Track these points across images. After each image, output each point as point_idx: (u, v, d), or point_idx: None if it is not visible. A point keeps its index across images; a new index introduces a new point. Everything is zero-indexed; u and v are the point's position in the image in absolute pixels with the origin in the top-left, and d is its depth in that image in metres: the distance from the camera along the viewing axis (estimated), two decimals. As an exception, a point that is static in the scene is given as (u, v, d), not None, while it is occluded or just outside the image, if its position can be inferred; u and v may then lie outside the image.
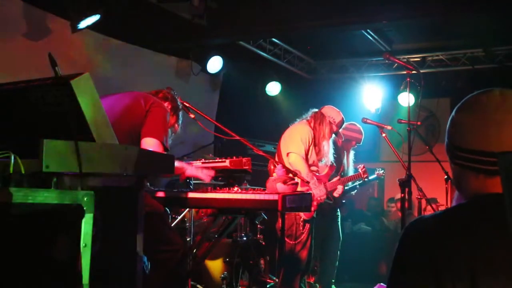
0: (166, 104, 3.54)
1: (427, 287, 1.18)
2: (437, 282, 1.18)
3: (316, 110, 5.06)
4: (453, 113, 1.36)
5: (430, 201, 4.86)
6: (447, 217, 1.28)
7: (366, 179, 5.62)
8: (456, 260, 1.18)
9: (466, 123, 1.31)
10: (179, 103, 3.70)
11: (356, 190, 5.94)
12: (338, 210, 5.57)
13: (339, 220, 5.58)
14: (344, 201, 5.84)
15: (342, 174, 5.54)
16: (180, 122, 3.71)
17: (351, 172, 5.53)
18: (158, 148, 3.18)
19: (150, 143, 3.17)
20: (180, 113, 3.72)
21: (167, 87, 3.71)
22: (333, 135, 5.01)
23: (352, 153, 5.64)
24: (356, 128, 5.59)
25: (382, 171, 6.07)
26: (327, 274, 5.61)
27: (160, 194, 3.59)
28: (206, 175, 3.57)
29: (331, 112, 5.00)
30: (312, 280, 5.74)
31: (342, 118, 5.04)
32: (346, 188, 5.59)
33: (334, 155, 5.08)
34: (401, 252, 1.28)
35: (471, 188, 1.31)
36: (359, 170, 5.49)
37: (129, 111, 3.23)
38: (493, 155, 1.24)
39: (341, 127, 5.08)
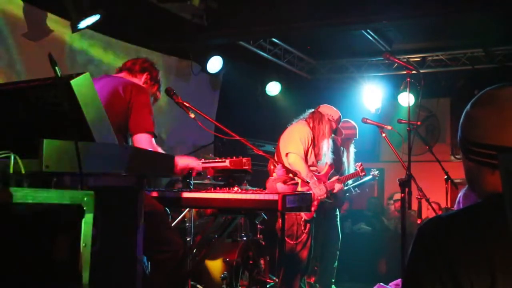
0: (145, 76, 3.53)
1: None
2: (454, 282, 1.16)
3: (313, 110, 5.07)
4: (467, 107, 1.32)
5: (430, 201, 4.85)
6: (464, 216, 1.26)
7: (363, 178, 5.63)
8: (474, 260, 1.16)
9: (482, 118, 1.27)
10: (157, 68, 3.63)
11: (357, 188, 5.95)
12: (337, 209, 5.57)
13: (338, 219, 5.57)
14: (344, 200, 5.84)
15: (342, 172, 5.54)
16: (161, 89, 3.65)
17: (352, 171, 5.53)
18: (151, 143, 3.19)
19: (142, 140, 3.17)
20: (161, 80, 3.65)
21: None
22: (333, 134, 5.02)
23: (353, 151, 5.64)
24: (350, 125, 5.59)
25: (377, 171, 6.08)
26: (327, 274, 5.61)
27: (160, 194, 3.59)
28: (197, 164, 3.54)
29: (328, 110, 5.01)
30: (312, 280, 5.74)
31: (339, 115, 5.06)
32: (345, 187, 5.60)
33: (333, 154, 5.08)
34: (416, 251, 1.25)
35: (486, 185, 1.27)
36: (357, 168, 5.50)
37: (110, 104, 3.15)
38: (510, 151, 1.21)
39: (339, 123, 5.10)
